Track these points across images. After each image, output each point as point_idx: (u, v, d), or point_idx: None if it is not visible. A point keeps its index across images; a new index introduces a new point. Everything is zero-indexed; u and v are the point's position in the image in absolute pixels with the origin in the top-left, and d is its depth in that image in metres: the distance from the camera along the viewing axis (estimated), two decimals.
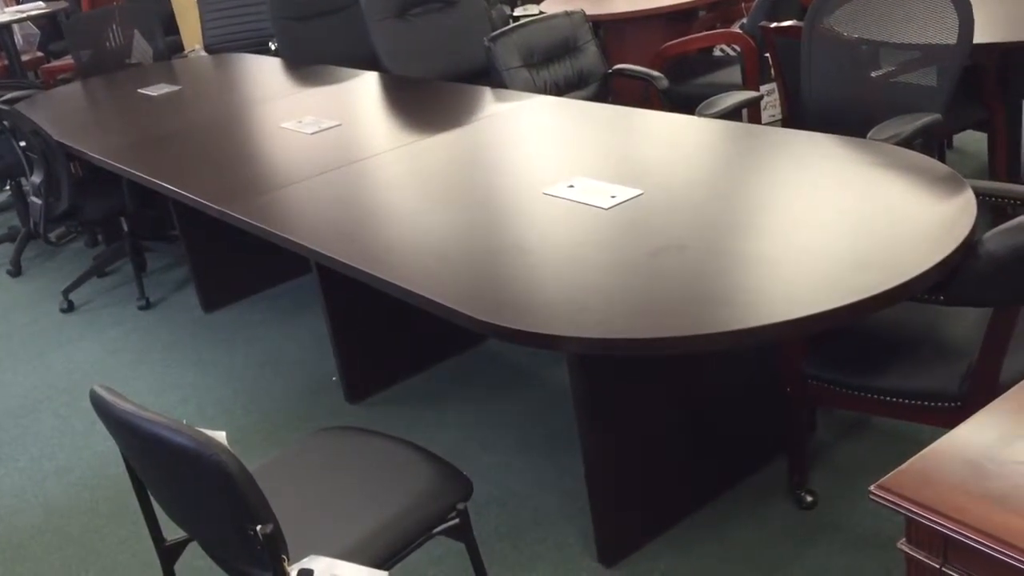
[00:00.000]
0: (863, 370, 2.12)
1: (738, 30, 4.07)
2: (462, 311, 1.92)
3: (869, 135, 2.57)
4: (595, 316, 1.81)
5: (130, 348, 3.82)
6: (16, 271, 4.82)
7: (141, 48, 5.27)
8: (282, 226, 2.50)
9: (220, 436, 1.50)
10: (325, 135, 3.25)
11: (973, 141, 4.32)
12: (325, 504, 1.87)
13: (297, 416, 3.16)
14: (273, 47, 5.15)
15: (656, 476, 2.34)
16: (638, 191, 2.34)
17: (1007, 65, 3.43)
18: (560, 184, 2.47)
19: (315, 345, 3.59)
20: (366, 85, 3.89)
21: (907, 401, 2.06)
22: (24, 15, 7.13)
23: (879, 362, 2.12)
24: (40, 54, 7.85)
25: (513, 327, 1.83)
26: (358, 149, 3.04)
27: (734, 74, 4.25)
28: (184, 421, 1.51)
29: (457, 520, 1.83)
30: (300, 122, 3.46)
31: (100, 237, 4.98)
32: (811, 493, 2.38)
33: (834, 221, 2.02)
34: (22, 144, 4.06)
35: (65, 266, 4.83)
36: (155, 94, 4.37)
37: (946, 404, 2.02)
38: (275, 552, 1.52)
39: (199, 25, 5.45)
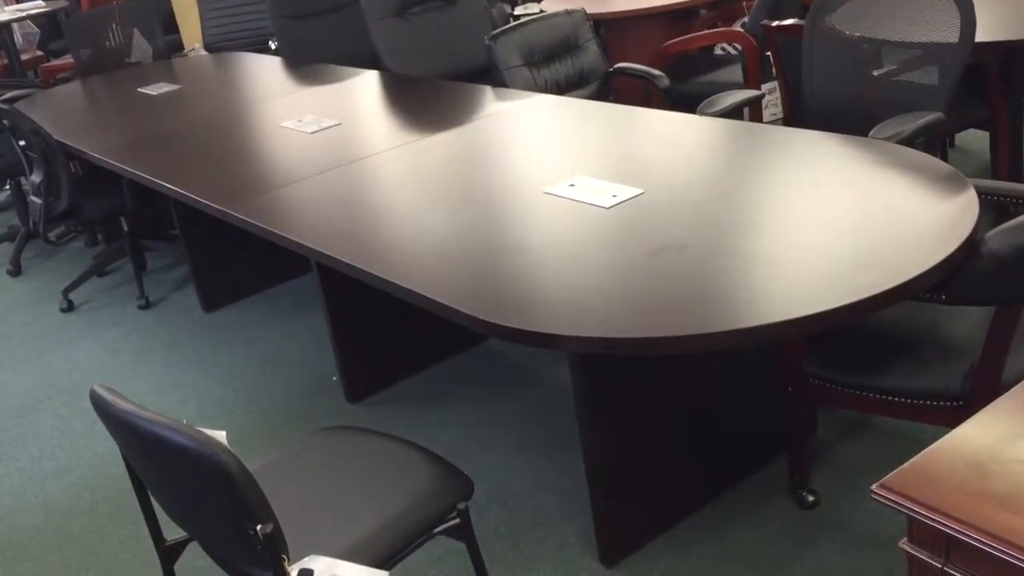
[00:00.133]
0: (865, 369, 2.12)
1: (739, 29, 4.06)
2: (462, 310, 1.92)
3: (871, 134, 2.57)
4: (596, 315, 1.81)
5: (130, 348, 3.82)
6: (16, 270, 4.82)
7: (141, 47, 5.26)
8: (282, 225, 2.50)
9: (220, 436, 1.50)
10: (325, 134, 3.25)
11: (975, 140, 4.32)
12: (325, 504, 1.86)
13: (297, 416, 3.15)
14: (273, 46, 5.14)
15: (657, 476, 2.33)
16: (639, 190, 2.34)
17: (1009, 63, 3.43)
18: (561, 183, 2.46)
19: (315, 345, 3.58)
20: (366, 84, 3.89)
21: (909, 400, 2.06)
22: (24, 14, 7.13)
23: (881, 361, 2.12)
24: (40, 53, 7.85)
25: (513, 326, 1.82)
26: (358, 148, 3.04)
27: (735, 73, 4.25)
28: (184, 421, 1.51)
29: (457, 520, 1.83)
30: (300, 121, 3.45)
31: (100, 236, 4.98)
32: (812, 493, 2.38)
33: (835, 220, 2.01)
34: (22, 143, 4.06)
35: (65, 265, 4.83)
36: (155, 93, 4.36)
37: (948, 403, 2.01)
38: (275, 552, 1.52)
39: (199, 24, 5.45)
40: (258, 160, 3.09)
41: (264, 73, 4.44)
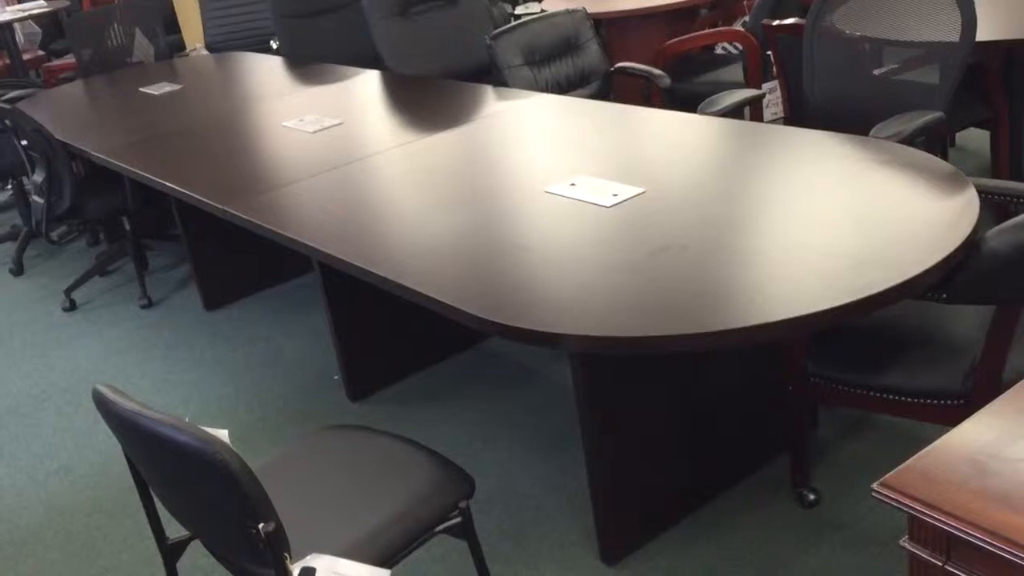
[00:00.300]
0: (866, 368, 2.12)
1: (740, 28, 4.06)
2: (464, 309, 1.92)
3: (871, 133, 2.57)
4: (597, 314, 1.81)
5: (132, 347, 3.82)
6: (18, 270, 4.82)
7: (142, 47, 5.27)
8: (284, 224, 2.50)
9: (222, 434, 1.50)
10: (327, 133, 3.25)
11: (975, 139, 4.32)
12: (327, 502, 1.87)
13: (299, 414, 3.16)
14: (275, 45, 5.15)
15: (658, 474, 2.34)
16: (640, 189, 2.34)
17: (1010, 63, 3.43)
18: (562, 182, 2.47)
19: (317, 343, 3.59)
20: (367, 83, 3.89)
21: (910, 399, 2.06)
22: (26, 14, 7.13)
23: (882, 360, 2.12)
24: (42, 53, 7.85)
25: (515, 325, 1.83)
26: (360, 147, 3.04)
27: (736, 72, 4.25)
28: (186, 419, 1.51)
29: (459, 518, 1.83)
30: (302, 120, 3.46)
31: (102, 236, 4.99)
32: (813, 491, 2.38)
33: (836, 219, 2.02)
34: (24, 143, 4.06)
35: (67, 265, 4.84)
36: (157, 93, 4.37)
37: (949, 402, 2.02)
38: (277, 550, 1.52)
39: (200, 24, 5.45)
40: (260, 159, 3.10)
41: (265, 73, 4.44)
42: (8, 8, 7.42)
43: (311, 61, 4.55)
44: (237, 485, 1.46)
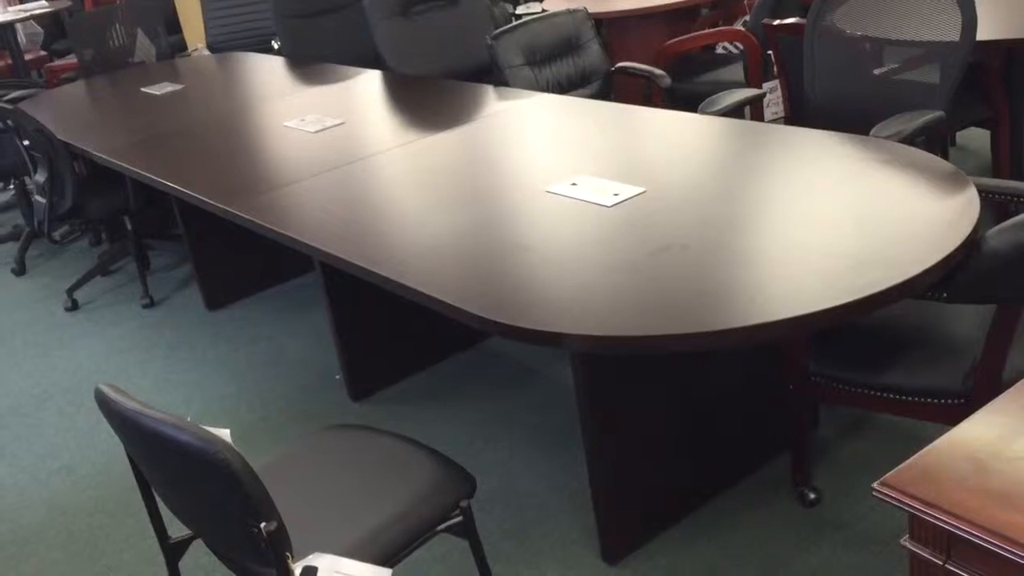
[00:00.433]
0: (866, 367, 2.12)
1: (741, 28, 4.06)
2: (465, 308, 1.92)
3: (872, 132, 2.57)
4: (598, 314, 1.81)
5: (134, 346, 3.82)
6: (20, 270, 4.83)
7: (144, 47, 5.27)
8: (285, 224, 2.51)
9: (224, 434, 1.50)
10: (328, 133, 3.25)
11: (976, 138, 4.32)
12: (329, 501, 1.87)
13: (301, 414, 3.16)
14: (276, 46, 5.15)
15: (659, 473, 2.34)
16: (641, 189, 2.34)
17: (1010, 62, 3.43)
18: (563, 182, 2.47)
19: (318, 343, 3.59)
20: (369, 83, 3.90)
21: (910, 398, 2.06)
22: (27, 14, 7.13)
23: (882, 359, 2.12)
24: (43, 53, 7.86)
25: (516, 324, 1.83)
26: (361, 147, 3.05)
27: (737, 72, 4.25)
28: (188, 419, 1.52)
29: (461, 517, 1.83)
30: (303, 120, 3.46)
31: (104, 236, 4.99)
32: (814, 490, 2.39)
33: (836, 218, 2.02)
34: (26, 143, 4.07)
35: (69, 265, 4.84)
36: (158, 93, 4.37)
37: (949, 401, 2.02)
38: (279, 549, 1.52)
39: (202, 24, 5.45)
40: (261, 159, 3.10)
41: (267, 73, 4.44)
42: (10, 8, 7.42)
43: (312, 61, 4.56)
44: (239, 484, 1.47)
